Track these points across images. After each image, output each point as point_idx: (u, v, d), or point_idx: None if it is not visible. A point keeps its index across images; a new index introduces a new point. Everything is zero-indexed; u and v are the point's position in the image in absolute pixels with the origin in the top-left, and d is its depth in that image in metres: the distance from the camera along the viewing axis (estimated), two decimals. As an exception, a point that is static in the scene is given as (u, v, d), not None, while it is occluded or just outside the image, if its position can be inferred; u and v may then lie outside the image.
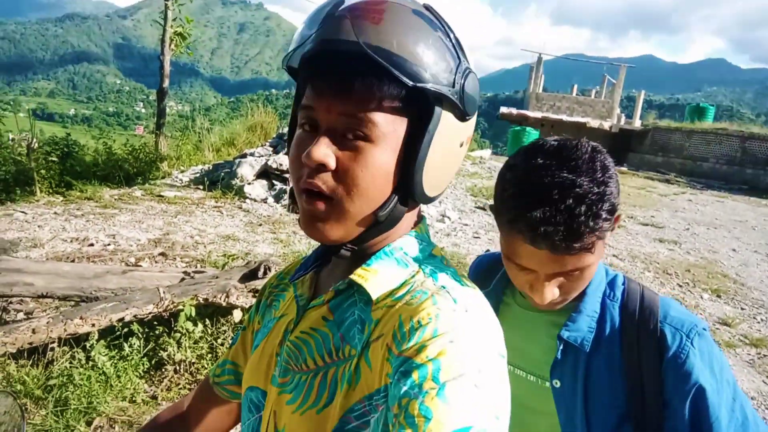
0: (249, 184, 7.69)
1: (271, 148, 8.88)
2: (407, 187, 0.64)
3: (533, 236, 0.83)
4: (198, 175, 8.57)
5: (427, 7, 0.64)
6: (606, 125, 20.14)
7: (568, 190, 0.81)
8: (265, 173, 7.93)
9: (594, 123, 20.07)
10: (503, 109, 22.39)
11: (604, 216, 0.82)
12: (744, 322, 5.00)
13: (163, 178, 8.54)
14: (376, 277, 0.66)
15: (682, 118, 21.96)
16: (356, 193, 0.61)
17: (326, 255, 0.78)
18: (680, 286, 5.82)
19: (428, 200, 0.68)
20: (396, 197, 0.64)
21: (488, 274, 1.12)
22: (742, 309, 5.37)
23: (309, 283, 0.78)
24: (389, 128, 0.61)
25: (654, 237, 7.88)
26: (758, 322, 5.06)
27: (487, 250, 1.30)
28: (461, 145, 0.68)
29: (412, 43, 0.58)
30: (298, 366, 0.69)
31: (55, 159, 7.58)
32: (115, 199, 6.96)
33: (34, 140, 7.33)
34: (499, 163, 12.15)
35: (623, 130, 20.35)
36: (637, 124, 21.24)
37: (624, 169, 17.33)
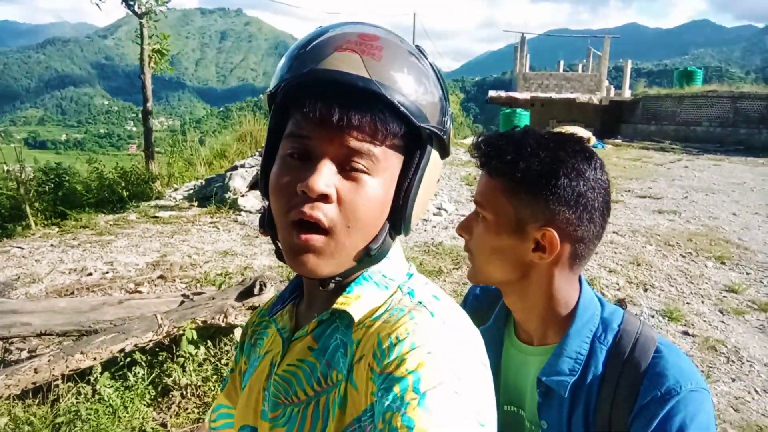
0: (242, 196, 7.67)
1: (261, 158, 8.85)
2: (398, 220, 0.65)
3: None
4: (191, 191, 8.54)
5: (419, 49, 0.67)
6: (595, 99, 20.06)
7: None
8: (258, 183, 7.89)
9: (583, 98, 19.99)
10: (492, 93, 22.32)
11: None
12: (751, 287, 4.98)
13: (156, 198, 8.50)
14: (358, 302, 0.66)
15: (671, 84, 21.91)
16: (355, 226, 0.61)
17: (303, 285, 0.78)
18: (683, 256, 5.79)
19: (409, 232, 0.69)
20: (387, 229, 0.66)
21: (489, 307, 1.09)
22: (747, 274, 5.35)
23: (289, 315, 0.78)
24: (387, 163, 0.62)
25: (653, 209, 7.85)
26: (765, 286, 5.05)
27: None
28: (438, 181, 0.72)
29: (414, 85, 0.61)
30: (288, 399, 0.69)
31: (47, 189, 7.54)
32: (111, 225, 6.93)
33: (25, 172, 7.30)
34: (491, 148, 12.00)
35: (613, 101, 20.29)
36: (627, 94, 21.17)
37: (618, 141, 17.30)
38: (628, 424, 0.83)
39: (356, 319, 0.65)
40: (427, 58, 0.66)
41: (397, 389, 0.54)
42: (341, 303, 0.66)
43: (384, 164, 0.62)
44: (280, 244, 0.66)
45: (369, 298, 0.67)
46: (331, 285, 0.66)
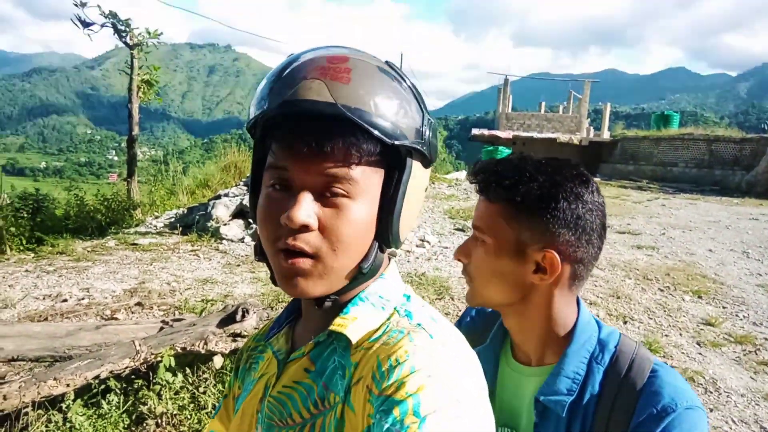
0: (225, 224, 7.62)
1: (245, 187, 8.84)
2: (385, 235, 0.66)
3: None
4: (173, 219, 8.47)
5: (389, 64, 0.67)
6: (575, 139, 20.53)
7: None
8: (241, 213, 7.87)
9: (564, 138, 20.45)
10: (475, 131, 22.71)
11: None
12: (727, 321, 5.04)
13: (137, 225, 8.41)
14: (356, 323, 0.67)
15: (648, 127, 22.50)
16: (341, 249, 0.62)
17: (299, 309, 0.78)
18: (661, 290, 5.86)
19: (400, 245, 0.70)
20: (376, 247, 0.66)
21: (485, 328, 1.10)
22: (723, 308, 5.42)
23: (285, 338, 0.78)
24: (367, 183, 0.62)
25: (632, 244, 7.96)
26: (740, 320, 5.11)
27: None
28: (425, 190, 0.72)
29: (385, 102, 0.61)
30: (283, 421, 0.68)
31: (24, 215, 7.42)
32: (88, 251, 6.82)
33: (1, 197, 7.19)
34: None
35: (593, 142, 20.76)
36: (606, 135, 21.72)
37: (597, 179, 17.62)
38: None
39: (354, 341, 0.65)
40: (398, 72, 0.66)
41: (396, 412, 0.53)
42: (338, 325, 0.66)
43: (363, 185, 0.62)
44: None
45: (366, 319, 0.67)
46: (327, 303, 0.67)
